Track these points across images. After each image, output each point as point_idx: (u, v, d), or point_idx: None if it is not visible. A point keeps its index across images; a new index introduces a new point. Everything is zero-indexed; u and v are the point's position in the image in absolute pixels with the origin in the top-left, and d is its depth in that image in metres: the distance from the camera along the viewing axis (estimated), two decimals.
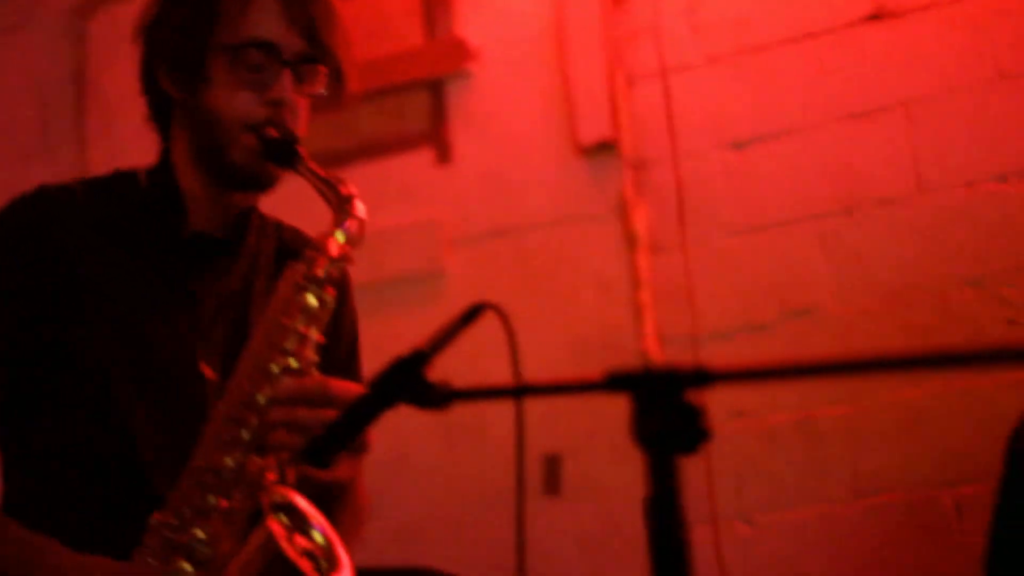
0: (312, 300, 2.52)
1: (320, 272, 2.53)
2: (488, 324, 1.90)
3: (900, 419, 4.19)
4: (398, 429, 4.47)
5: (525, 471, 4.45)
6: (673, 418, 1.59)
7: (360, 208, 2.56)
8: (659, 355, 4.39)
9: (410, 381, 1.82)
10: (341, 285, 2.67)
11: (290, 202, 2.89)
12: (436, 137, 4.83)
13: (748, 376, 1.67)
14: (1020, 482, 3.34)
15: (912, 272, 4.23)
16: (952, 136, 4.25)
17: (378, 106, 4.89)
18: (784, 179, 4.41)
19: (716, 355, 4.35)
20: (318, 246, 2.55)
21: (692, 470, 4.30)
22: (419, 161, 4.84)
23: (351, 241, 2.57)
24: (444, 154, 4.81)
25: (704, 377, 1.60)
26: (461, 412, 4.53)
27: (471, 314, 1.87)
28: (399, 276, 4.73)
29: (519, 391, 1.79)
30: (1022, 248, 4.10)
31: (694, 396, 1.60)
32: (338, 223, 2.56)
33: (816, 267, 4.34)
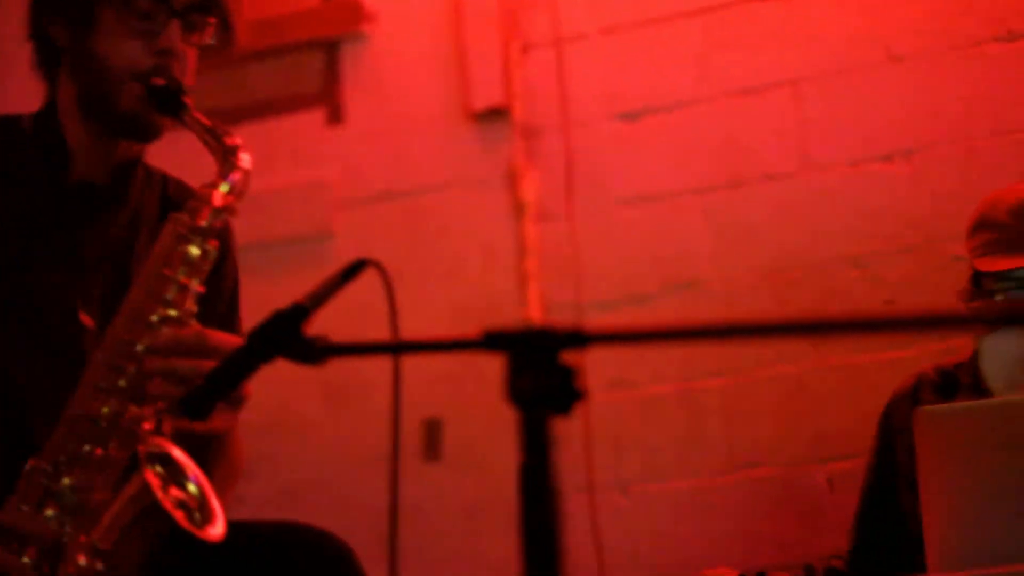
0: (194, 250, 2.51)
1: (203, 222, 2.52)
2: (372, 286, 1.91)
3: (777, 394, 4.24)
4: (280, 389, 4.46)
5: (402, 431, 4.45)
6: (547, 377, 1.60)
7: (245, 159, 2.56)
8: (542, 323, 4.40)
9: (288, 335, 1.82)
10: (224, 237, 2.66)
11: (178, 157, 2.87)
12: (329, 98, 4.81)
13: (622, 339, 1.69)
14: (888, 460, 3.40)
15: (794, 249, 4.27)
16: (839, 116, 4.29)
17: (272, 65, 4.86)
18: (673, 152, 4.43)
19: (599, 325, 4.38)
20: (202, 197, 2.54)
21: (570, 438, 4.34)
22: (311, 121, 4.82)
23: (235, 192, 2.56)
24: (336, 115, 4.79)
25: (579, 338, 1.62)
26: (343, 374, 4.54)
27: (351, 270, 1.88)
28: (287, 237, 4.72)
29: (396, 348, 1.80)
30: (903, 230, 4.15)
31: (569, 358, 1.62)
32: (223, 174, 2.56)
33: (700, 241, 4.37)
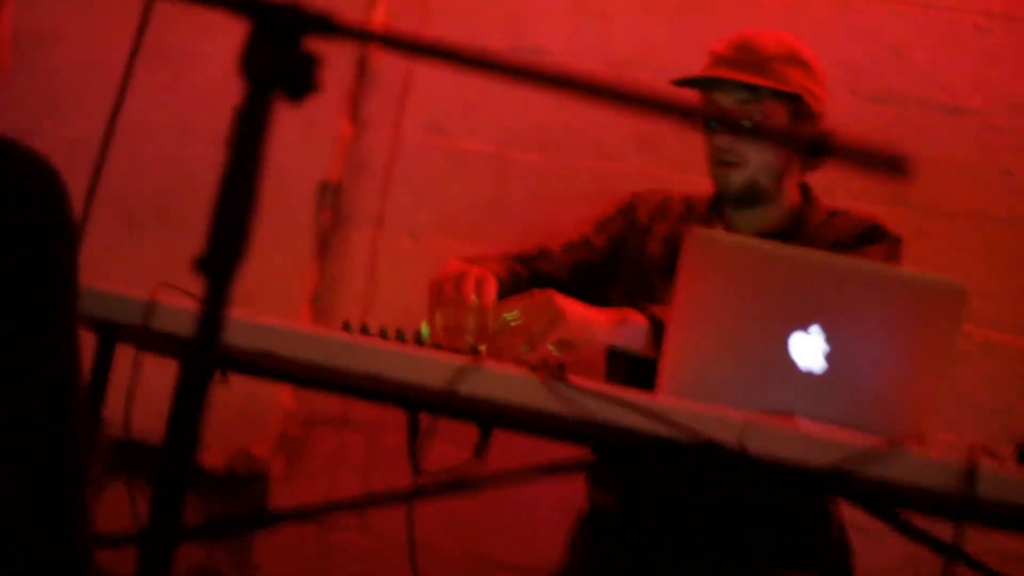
0: None
1: None
2: None
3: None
4: None
5: None
6: (283, 57, 1.50)
7: None
8: None
9: None
10: None
11: None
12: None
13: (370, 38, 1.58)
14: (636, 246, 3.32)
15: None
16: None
17: None
18: None
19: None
20: None
21: (371, 169, 4.28)
22: None
23: None
24: None
25: (328, 25, 1.51)
26: None
27: None
28: None
29: None
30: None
31: (313, 45, 1.52)
32: None
33: None
